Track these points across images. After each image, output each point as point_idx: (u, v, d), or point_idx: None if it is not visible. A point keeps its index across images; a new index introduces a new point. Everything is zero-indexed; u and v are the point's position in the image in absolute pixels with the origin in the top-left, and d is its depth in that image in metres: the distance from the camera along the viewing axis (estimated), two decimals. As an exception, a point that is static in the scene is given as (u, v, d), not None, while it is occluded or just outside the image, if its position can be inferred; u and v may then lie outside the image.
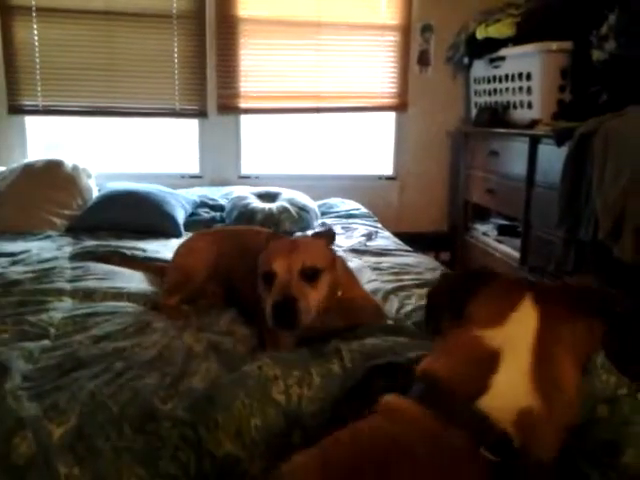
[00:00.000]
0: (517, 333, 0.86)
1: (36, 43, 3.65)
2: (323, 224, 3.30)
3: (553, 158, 2.79)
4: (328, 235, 1.62)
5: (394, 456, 0.79)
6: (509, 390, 0.81)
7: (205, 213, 3.40)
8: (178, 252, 2.09)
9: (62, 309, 1.83)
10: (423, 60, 4.07)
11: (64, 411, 1.20)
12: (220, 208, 3.44)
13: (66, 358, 1.46)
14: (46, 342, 1.59)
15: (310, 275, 1.44)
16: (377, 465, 0.78)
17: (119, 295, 1.99)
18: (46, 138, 3.98)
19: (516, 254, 3.24)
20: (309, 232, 2.72)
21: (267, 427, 1.18)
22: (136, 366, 1.40)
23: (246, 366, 1.36)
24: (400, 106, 4.09)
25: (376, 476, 0.78)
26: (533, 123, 3.15)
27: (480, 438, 0.78)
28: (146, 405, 1.22)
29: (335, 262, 1.58)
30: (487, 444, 0.77)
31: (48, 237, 2.87)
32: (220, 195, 3.61)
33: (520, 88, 3.34)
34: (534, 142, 3.00)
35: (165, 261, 2.37)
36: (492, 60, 3.61)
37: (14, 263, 2.37)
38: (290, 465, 0.84)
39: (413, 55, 4.04)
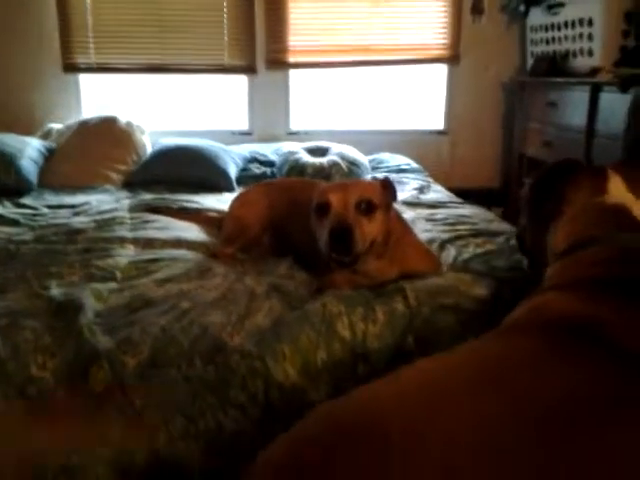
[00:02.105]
0: (622, 191, 1.17)
1: (88, 1, 3.68)
2: (374, 178, 3.28)
3: (616, 107, 2.68)
4: (386, 183, 1.61)
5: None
6: None
7: (256, 169, 3.42)
8: (233, 204, 2.12)
9: (126, 255, 1.88)
10: (476, 9, 3.92)
11: (137, 344, 1.25)
12: (270, 164, 3.46)
13: (134, 298, 1.51)
14: (113, 284, 1.64)
15: (366, 208, 1.44)
16: None
17: (178, 243, 2.03)
18: (99, 97, 4.04)
19: (573, 208, 3.15)
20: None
21: (332, 360, 1.21)
22: (201, 305, 1.43)
23: (309, 304, 1.38)
24: (452, 58, 3.99)
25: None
26: (594, 71, 3.03)
27: None
28: (215, 340, 1.26)
29: (390, 206, 1.58)
30: None
31: (106, 191, 2.94)
32: (270, 151, 3.62)
33: (580, 35, 3.19)
34: (595, 91, 2.88)
35: (219, 212, 2.41)
36: (550, 7, 3.45)
37: (76, 214, 2.46)
38: (259, 462, 0.83)
39: (466, 4, 3.91)
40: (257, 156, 3.54)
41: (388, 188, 1.59)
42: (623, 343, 0.82)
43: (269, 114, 4.05)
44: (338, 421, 0.81)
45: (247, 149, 3.60)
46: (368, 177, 3.27)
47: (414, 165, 3.54)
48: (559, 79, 3.30)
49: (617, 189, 1.17)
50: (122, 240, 2.04)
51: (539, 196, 1.24)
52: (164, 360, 1.21)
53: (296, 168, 3.14)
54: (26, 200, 2.71)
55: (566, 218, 1.17)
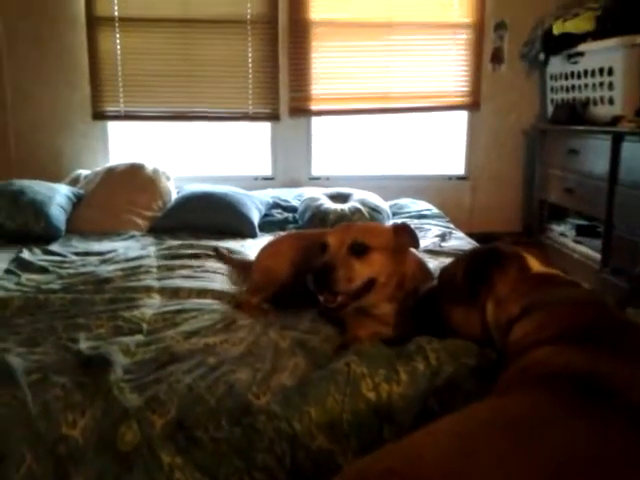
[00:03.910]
0: (539, 266, 1.37)
1: (118, 52, 3.82)
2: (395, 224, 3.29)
3: (638, 156, 2.69)
4: (400, 228, 1.64)
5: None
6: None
7: (278, 214, 3.46)
8: (262, 253, 2.13)
9: (152, 306, 1.91)
10: (496, 58, 4.00)
11: (164, 403, 1.26)
12: (292, 209, 3.49)
13: (161, 352, 1.52)
14: (140, 337, 1.66)
15: (358, 250, 1.49)
16: None
17: (203, 293, 2.05)
18: (126, 144, 4.14)
19: (596, 255, 3.14)
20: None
21: (358, 422, 1.20)
22: (228, 361, 1.44)
23: (333, 363, 1.38)
24: (472, 105, 4.04)
25: None
26: (615, 120, 3.05)
27: None
28: (241, 399, 1.27)
29: (403, 250, 1.60)
30: None
31: (132, 237, 2.99)
32: (292, 196, 3.66)
33: (601, 84, 3.23)
34: (617, 139, 2.90)
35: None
36: (570, 56, 3.51)
37: (103, 262, 2.49)
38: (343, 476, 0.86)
39: (486, 53, 3.98)
40: (279, 202, 3.57)
41: (402, 233, 1.62)
42: (629, 397, 0.89)
43: (291, 160, 4.12)
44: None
45: (269, 194, 3.65)
46: (389, 222, 3.29)
47: (435, 210, 3.54)
48: (580, 127, 3.33)
49: (536, 265, 1.36)
50: (148, 289, 2.06)
51: (474, 283, 1.36)
52: (191, 420, 1.22)
53: (318, 215, 3.17)
54: (54, 247, 2.75)
55: (506, 291, 1.31)
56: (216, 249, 2.59)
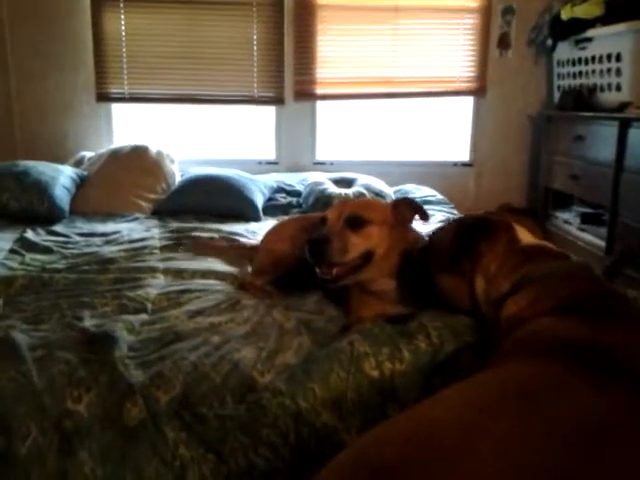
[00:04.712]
0: (530, 237, 1.35)
1: (123, 33, 3.79)
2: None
3: (645, 142, 2.67)
4: (398, 203, 1.64)
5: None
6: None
7: (282, 198, 3.45)
8: (268, 236, 2.13)
9: (156, 286, 1.91)
10: (503, 43, 3.96)
11: (169, 380, 1.26)
12: (297, 193, 3.49)
13: (165, 331, 1.53)
14: (144, 316, 1.66)
15: (354, 223, 1.51)
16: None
17: (207, 274, 2.06)
18: (131, 126, 4.12)
19: (601, 243, 3.13)
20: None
21: (362, 399, 1.21)
22: (232, 340, 1.45)
23: (337, 342, 1.38)
24: (478, 90, 4.01)
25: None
26: (622, 106, 3.03)
27: None
28: (246, 377, 1.27)
29: (403, 225, 1.61)
30: None
31: (136, 219, 2.99)
32: (296, 181, 3.65)
33: (608, 70, 3.20)
34: (624, 126, 2.88)
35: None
36: (578, 41, 3.48)
37: (107, 243, 2.50)
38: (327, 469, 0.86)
39: (493, 38, 3.95)
40: (283, 186, 3.57)
41: (401, 207, 1.62)
42: (629, 364, 0.91)
43: (296, 144, 4.10)
44: (373, 456, 0.82)
45: (273, 179, 3.64)
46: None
47: (439, 197, 3.54)
48: (587, 113, 3.30)
49: (526, 236, 1.34)
50: (153, 270, 2.07)
51: (458, 254, 1.35)
52: (196, 397, 1.22)
53: (322, 199, 3.16)
54: (58, 227, 2.76)
55: (495, 266, 1.29)
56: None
